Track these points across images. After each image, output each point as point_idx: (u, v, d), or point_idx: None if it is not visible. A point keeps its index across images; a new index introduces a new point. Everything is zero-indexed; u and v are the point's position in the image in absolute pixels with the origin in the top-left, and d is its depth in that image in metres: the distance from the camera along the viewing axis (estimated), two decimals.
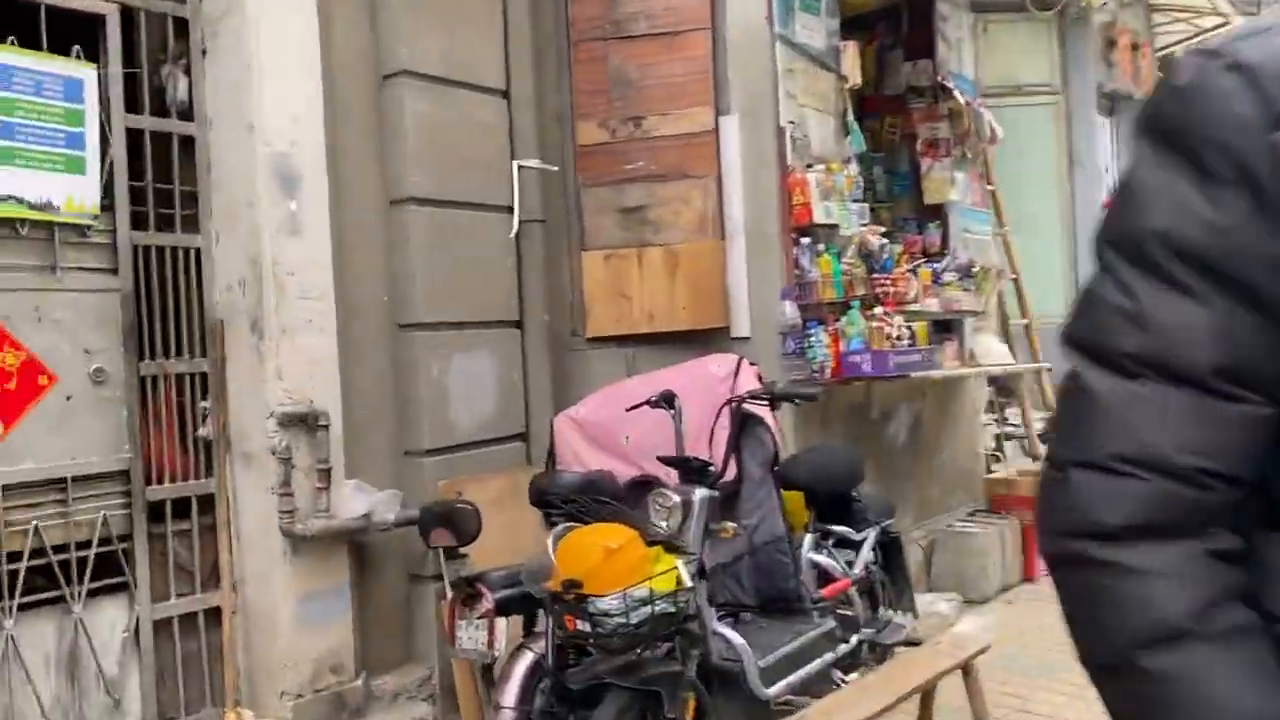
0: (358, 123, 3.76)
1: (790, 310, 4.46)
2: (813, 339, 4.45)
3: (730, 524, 3.20)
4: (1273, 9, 9.87)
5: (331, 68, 3.68)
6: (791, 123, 4.59)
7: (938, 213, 5.79)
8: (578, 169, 4.61)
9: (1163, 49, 9.88)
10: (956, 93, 5.67)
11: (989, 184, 7.17)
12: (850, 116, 4.95)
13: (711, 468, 3.24)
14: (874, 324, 4.53)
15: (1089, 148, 8.18)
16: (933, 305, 5.06)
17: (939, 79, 5.67)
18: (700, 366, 3.92)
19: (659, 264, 4.54)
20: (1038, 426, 7.36)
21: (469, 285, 4.02)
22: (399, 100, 3.82)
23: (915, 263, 5.11)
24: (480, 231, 4.09)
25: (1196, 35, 9.81)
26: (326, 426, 3.45)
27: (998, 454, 6.89)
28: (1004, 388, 7.14)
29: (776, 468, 3.61)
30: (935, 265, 5.30)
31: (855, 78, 4.90)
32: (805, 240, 4.53)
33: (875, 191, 5.84)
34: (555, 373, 4.46)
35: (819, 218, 4.53)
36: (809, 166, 4.56)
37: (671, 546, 3.07)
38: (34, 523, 3.04)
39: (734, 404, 3.46)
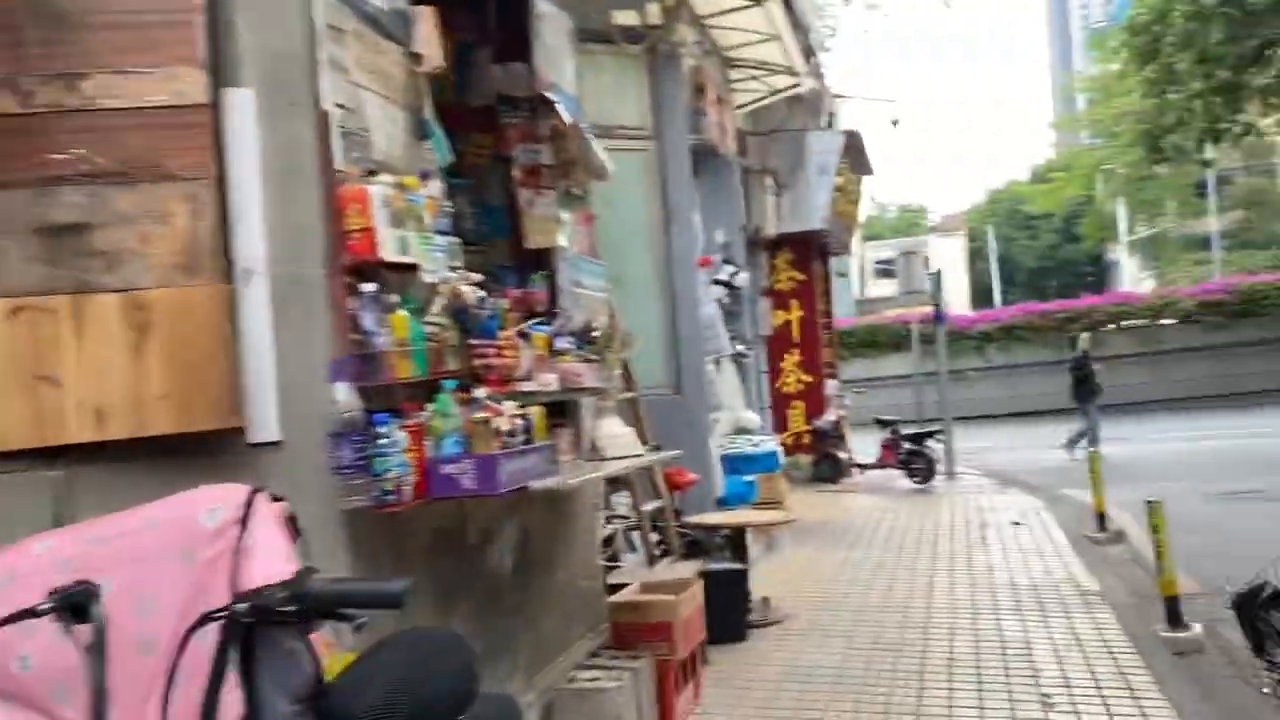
0: None
1: (346, 397, 2.81)
2: (383, 442, 2.83)
3: None
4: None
5: None
6: (342, 107, 2.99)
7: (542, 261, 4.46)
8: None
9: (741, 106, 9.66)
10: (560, 109, 4.41)
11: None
12: (430, 113, 3.45)
13: None
14: (476, 414, 3.02)
15: (684, 201, 7.43)
16: (551, 382, 3.67)
17: (537, 89, 4.37)
18: (177, 510, 2.13)
19: (114, 323, 2.66)
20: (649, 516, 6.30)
21: None
22: None
23: (524, 325, 3.70)
24: None
25: (771, 95, 9.71)
26: None
27: (613, 559, 5.68)
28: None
29: (324, 698, 1.95)
30: (547, 329, 3.93)
31: (435, 58, 3.41)
32: (368, 288, 2.92)
33: (464, 230, 4.38)
34: None
35: (388, 253, 2.95)
36: (370, 174, 2.98)
37: None
38: None
39: (231, 621, 1.75)
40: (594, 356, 4.03)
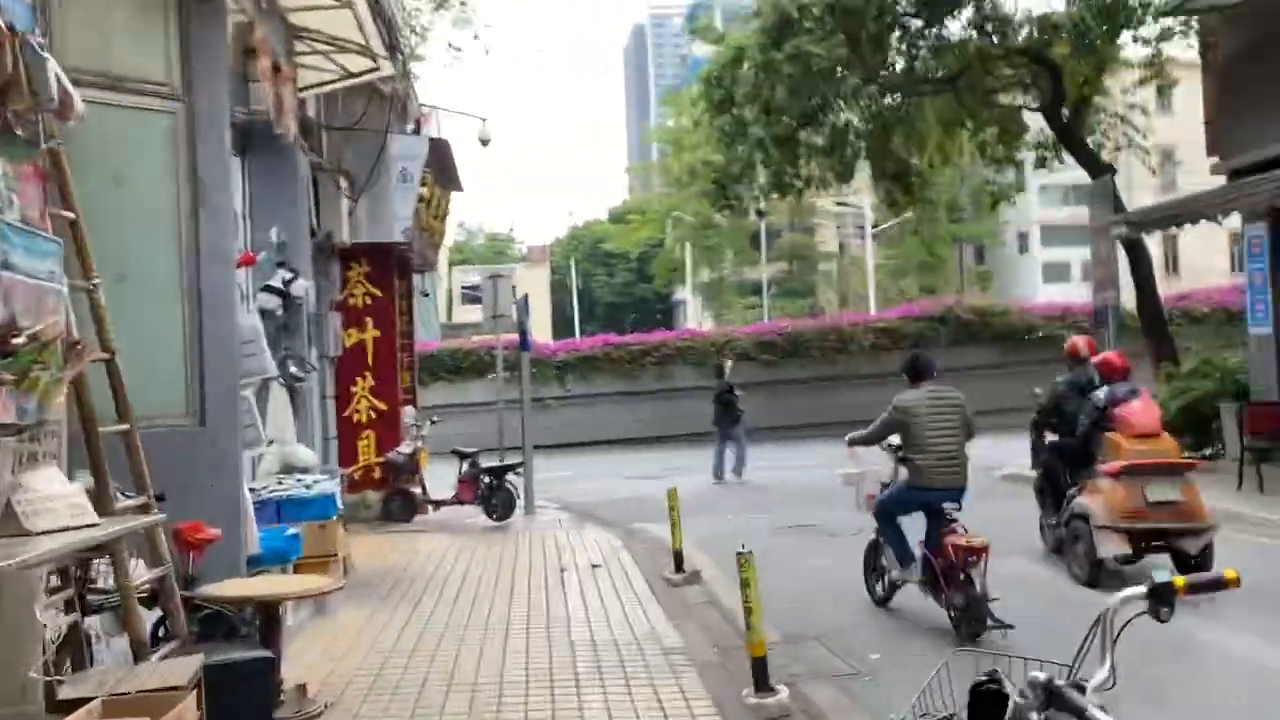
0: None
1: None
2: None
3: None
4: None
5: None
6: None
7: None
8: None
9: (309, 87, 8.24)
10: None
11: (68, 206, 4.45)
12: None
13: None
14: None
15: (222, 182, 5.93)
16: None
17: None
18: None
19: None
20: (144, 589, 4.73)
21: None
22: None
23: None
24: None
25: (345, 78, 8.41)
26: None
27: (76, 657, 4.07)
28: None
29: None
30: None
31: None
32: None
33: None
34: None
35: None
36: None
37: None
38: None
39: None
40: (10, 375, 2.58)
